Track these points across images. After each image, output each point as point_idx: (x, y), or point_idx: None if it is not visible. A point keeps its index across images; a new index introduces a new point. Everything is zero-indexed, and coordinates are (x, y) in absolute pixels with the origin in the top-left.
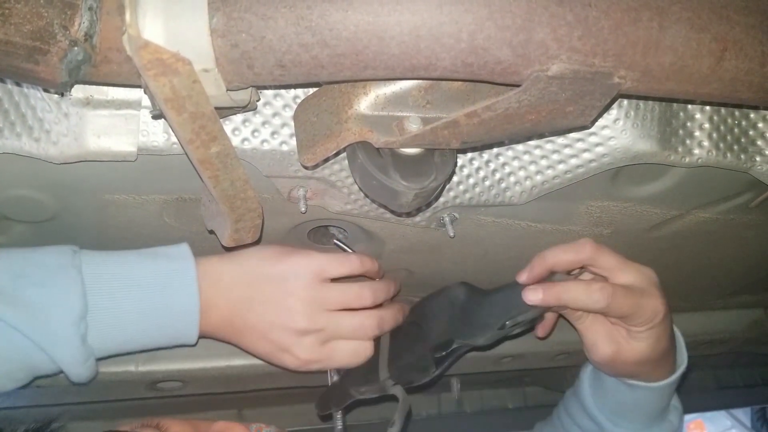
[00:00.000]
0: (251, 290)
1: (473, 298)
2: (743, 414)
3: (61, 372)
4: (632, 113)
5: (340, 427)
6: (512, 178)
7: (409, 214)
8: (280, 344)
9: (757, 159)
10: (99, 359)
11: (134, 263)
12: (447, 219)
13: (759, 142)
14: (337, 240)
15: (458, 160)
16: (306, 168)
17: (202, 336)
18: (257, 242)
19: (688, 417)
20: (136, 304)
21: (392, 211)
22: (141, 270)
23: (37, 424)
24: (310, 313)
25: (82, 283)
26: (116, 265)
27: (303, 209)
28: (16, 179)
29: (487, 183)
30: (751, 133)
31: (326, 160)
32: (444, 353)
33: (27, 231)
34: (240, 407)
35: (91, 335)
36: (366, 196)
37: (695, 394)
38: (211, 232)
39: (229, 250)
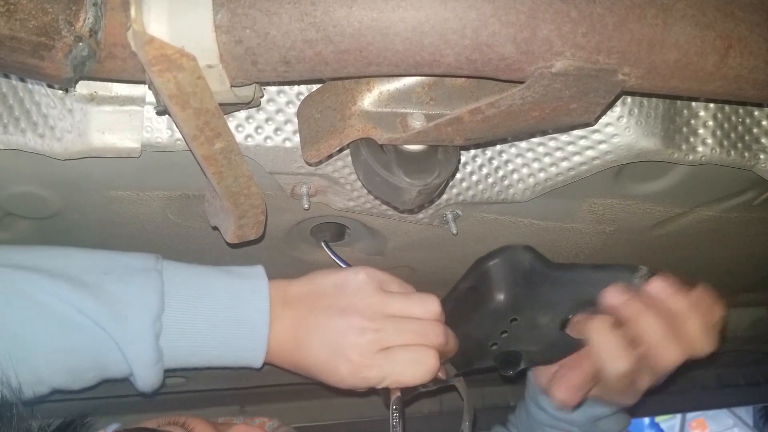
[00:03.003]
0: (315, 299)
1: (539, 268)
2: (745, 412)
3: (130, 376)
4: (636, 111)
5: (395, 423)
6: (515, 176)
7: (411, 211)
8: (336, 346)
9: (761, 156)
10: (166, 371)
11: (210, 275)
12: (450, 216)
13: (763, 140)
14: (325, 242)
15: (461, 157)
16: (309, 164)
17: (267, 359)
18: (260, 239)
19: (690, 415)
20: (206, 313)
21: (395, 208)
22: (215, 282)
23: (71, 417)
24: (369, 313)
25: (162, 284)
26: (193, 275)
27: (306, 206)
28: (20, 175)
29: (490, 180)
30: (755, 130)
31: (330, 156)
32: (511, 372)
33: (31, 227)
34: (243, 403)
35: (163, 338)
36: (369, 192)
37: (697, 393)
38: (215, 228)
39: (232, 246)
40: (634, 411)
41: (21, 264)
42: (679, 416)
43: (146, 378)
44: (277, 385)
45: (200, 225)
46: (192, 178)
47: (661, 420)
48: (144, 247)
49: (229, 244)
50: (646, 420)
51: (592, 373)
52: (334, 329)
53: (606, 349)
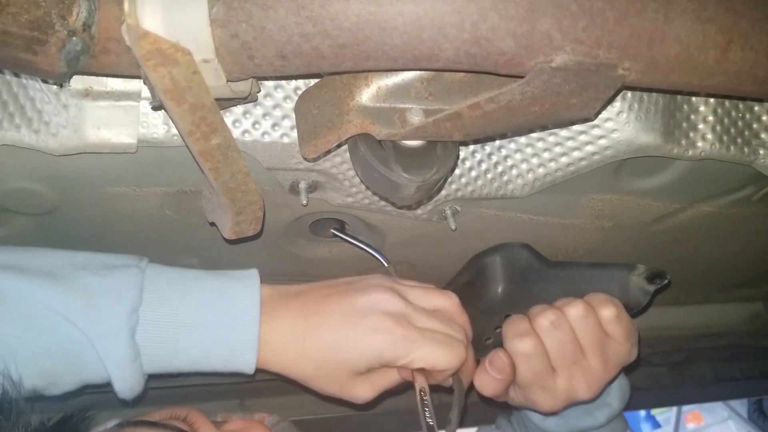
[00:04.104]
0: (326, 288)
1: (536, 266)
2: (740, 405)
3: (108, 382)
4: (636, 105)
5: (428, 415)
6: (514, 171)
7: (410, 207)
8: (363, 319)
9: (761, 152)
10: (148, 377)
11: (196, 275)
12: (449, 212)
13: (763, 135)
14: (335, 230)
15: (460, 152)
16: (307, 160)
17: (262, 362)
18: (259, 235)
19: (686, 408)
20: (189, 311)
21: (394, 204)
22: (202, 281)
23: (71, 411)
24: (396, 293)
25: (142, 279)
26: (178, 275)
27: (304, 202)
28: (16, 171)
29: (489, 176)
30: (754, 125)
31: (328, 152)
32: None
33: (28, 223)
34: (242, 397)
35: (141, 334)
36: (367, 188)
37: (693, 386)
38: (213, 224)
39: (230, 242)
40: (631, 404)
41: None
42: (675, 409)
43: (123, 379)
44: (277, 379)
45: (198, 221)
46: (189, 173)
47: (657, 413)
48: (142, 243)
49: (227, 240)
50: (642, 413)
51: (509, 364)
52: (360, 303)
53: (512, 330)
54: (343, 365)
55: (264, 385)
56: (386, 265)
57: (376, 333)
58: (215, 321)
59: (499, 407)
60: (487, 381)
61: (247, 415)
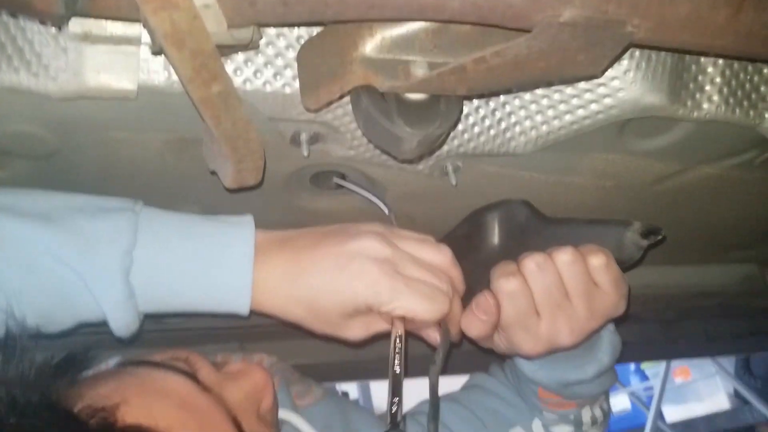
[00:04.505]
0: (319, 234)
1: (534, 223)
2: (728, 362)
3: (104, 320)
4: (643, 65)
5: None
6: (517, 128)
7: (411, 161)
8: (350, 264)
9: (767, 116)
10: (144, 316)
11: (191, 219)
12: (450, 168)
13: None
14: (338, 179)
15: (464, 107)
16: (309, 111)
17: (255, 304)
18: (259, 185)
19: (674, 363)
20: (183, 252)
21: (395, 158)
22: (196, 225)
23: (75, 350)
24: (385, 240)
25: (136, 222)
26: (173, 218)
27: (305, 153)
28: (15, 114)
29: (492, 132)
30: (762, 89)
31: (330, 103)
32: None
33: (28, 166)
34: (242, 341)
35: (135, 275)
36: (369, 141)
37: (683, 342)
38: (213, 173)
39: (230, 191)
40: (621, 357)
41: None
42: (664, 363)
43: (119, 319)
44: (276, 323)
45: (199, 169)
46: (190, 121)
47: (647, 366)
48: (142, 190)
49: (227, 189)
50: (632, 366)
51: (494, 305)
52: (347, 249)
53: (499, 271)
54: (331, 308)
55: (263, 330)
56: (387, 212)
57: (360, 279)
58: (210, 263)
59: (494, 357)
60: (473, 321)
61: (246, 357)
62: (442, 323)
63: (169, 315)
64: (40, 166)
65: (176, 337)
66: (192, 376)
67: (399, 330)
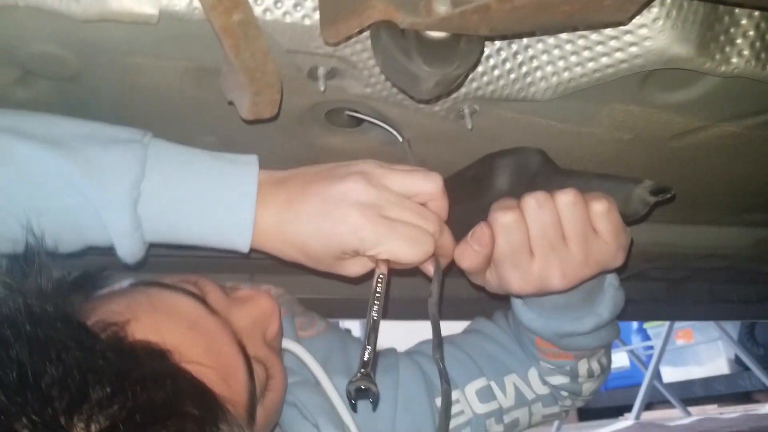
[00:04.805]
0: (312, 174)
1: (545, 172)
2: (732, 327)
3: (110, 244)
4: (674, 13)
5: (377, 302)
6: (539, 73)
7: (429, 102)
8: (335, 208)
9: None
10: (150, 246)
11: (199, 155)
12: (467, 111)
13: None
14: (350, 111)
15: (486, 50)
16: (328, 45)
17: (256, 243)
18: (275, 118)
19: (678, 324)
20: (189, 188)
21: (412, 98)
22: (203, 161)
23: (91, 269)
24: (372, 181)
25: (145, 155)
26: (181, 152)
27: (322, 88)
28: (40, 34)
29: (513, 76)
30: None
31: (349, 38)
32: None
33: (50, 88)
34: (252, 272)
35: (141, 206)
36: (386, 79)
37: (688, 304)
38: (230, 103)
39: (247, 122)
40: (624, 315)
41: (3, 126)
42: (667, 324)
43: (125, 247)
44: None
45: (217, 99)
46: (209, 50)
47: (649, 326)
48: (160, 118)
49: (244, 121)
50: (635, 325)
51: (489, 236)
52: (333, 193)
53: (497, 204)
54: (322, 252)
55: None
56: (401, 140)
57: (343, 224)
58: (213, 201)
59: (497, 300)
60: (466, 252)
61: (254, 286)
62: (434, 260)
63: (173, 246)
64: (62, 88)
65: (188, 263)
66: (201, 299)
67: (383, 270)
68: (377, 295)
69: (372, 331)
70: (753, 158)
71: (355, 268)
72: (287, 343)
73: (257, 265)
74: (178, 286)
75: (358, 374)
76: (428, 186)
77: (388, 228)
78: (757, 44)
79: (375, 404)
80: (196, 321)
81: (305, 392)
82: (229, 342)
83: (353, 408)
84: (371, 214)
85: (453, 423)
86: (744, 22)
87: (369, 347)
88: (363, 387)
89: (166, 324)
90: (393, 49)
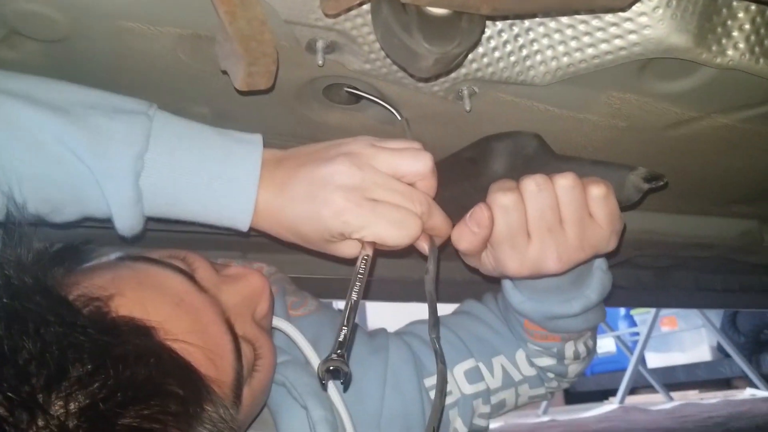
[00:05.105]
0: (306, 155)
1: (541, 156)
2: (715, 315)
3: (109, 215)
4: (674, 2)
5: (358, 283)
6: (539, 57)
7: (428, 80)
8: (320, 191)
9: None
10: (148, 219)
11: (204, 131)
12: (466, 92)
13: None
14: (349, 88)
15: (487, 31)
16: (327, 17)
17: (255, 223)
18: (270, 89)
19: (663, 312)
20: (193, 164)
21: (411, 76)
22: (208, 138)
23: (74, 242)
24: (358, 162)
25: (150, 127)
26: (186, 127)
27: (320, 62)
28: None
29: (513, 59)
30: None
31: (349, 10)
32: None
33: (39, 50)
34: (245, 250)
35: (143, 179)
36: (386, 56)
37: (674, 291)
38: (225, 73)
39: (241, 94)
40: (611, 301)
41: (7, 89)
42: (653, 311)
43: (125, 219)
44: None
45: (211, 68)
46: (205, 16)
47: (636, 313)
48: (153, 85)
49: (238, 92)
50: (622, 311)
51: (488, 217)
52: (319, 176)
53: (497, 185)
54: (312, 234)
55: (266, 241)
56: (400, 118)
57: (327, 208)
58: (217, 178)
59: (490, 283)
60: (464, 233)
61: (246, 263)
62: (428, 239)
63: (171, 221)
64: (51, 51)
65: (180, 238)
66: (189, 275)
67: (368, 252)
68: (359, 275)
69: (351, 312)
70: (743, 151)
71: (347, 249)
72: (278, 322)
73: (250, 242)
74: (166, 262)
75: (332, 354)
76: (417, 166)
77: (373, 211)
78: (752, 38)
79: (346, 385)
80: (183, 298)
81: (295, 372)
82: (217, 320)
83: (324, 388)
84: (355, 197)
85: None
86: (741, 15)
87: (345, 327)
88: (334, 367)
89: (152, 300)
90: (393, 24)
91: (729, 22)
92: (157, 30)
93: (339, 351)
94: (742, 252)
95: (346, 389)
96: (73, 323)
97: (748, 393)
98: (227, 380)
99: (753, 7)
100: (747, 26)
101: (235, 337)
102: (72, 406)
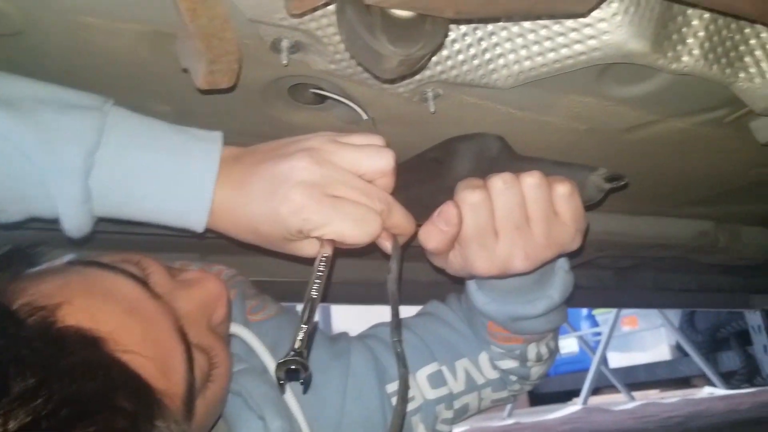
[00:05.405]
0: (265, 152)
1: (504, 157)
2: (674, 315)
3: (56, 218)
4: (632, 9)
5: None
6: (501, 60)
7: (392, 82)
8: (279, 188)
9: (741, 75)
10: (98, 220)
11: (161, 128)
12: (430, 94)
13: (746, 59)
14: (315, 88)
15: (451, 34)
16: (292, 16)
17: (211, 223)
18: (233, 89)
19: (624, 312)
20: (147, 161)
21: (376, 77)
22: (165, 135)
23: (23, 244)
24: (318, 158)
25: (103, 123)
26: (142, 124)
27: (285, 62)
28: None
29: (476, 62)
30: (741, 48)
31: (314, 9)
32: None
33: None
34: (204, 253)
35: (94, 177)
36: (351, 56)
37: (635, 292)
38: (185, 70)
39: (203, 92)
40: (573, 301)
41: None
42: (614, 312)
43: (72, 218)
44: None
45: (173, 66)
46: (166, 12)
47: (598, 313)
48: (112, 83)
49: (200, 90)
50: (584, 311)
51: (456, 215)
52: (279, 172)
53: (465, 183)
54: (271, 233)
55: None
56: (365, 117)
57: (285, 205)
58: (171, 176)
59: (456, 284)
60: (432, 232)
61: (205, 266)
62: (391, 238)
63: (122, 222)
64: (4, 45)
65: (137, 241)
66: (142, 281)
67: (327, 251)
68: (318, 274)
69: (309, 311)
70: (698, 154)
71: (307, 248)
72: (235, 328)
73: (209, 244)
74: (118, 267)
75: (290, 354)
76: (379, 163)
77: (333, 207)
78: (706, 45)
79: (306, 386)
80: (135, 305)
81: (252, 381)
82: (169, 329)
83: (282, 390)
84: (315, 194)
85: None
86: (695, 23)
87: (303, 327)
88: (293, 368)
89: (101, 308)
90: (357, 25)
91: (684, 30)
92: (116, 26)
93: (297, 350)
94: (699, 252)
95: (306, 390)
96: (16, 335)
97: (706, 391)
98: (179, 392)
99: (707, 15)
100: (701, 33)
101: (188, 347)
102: (11, 425)
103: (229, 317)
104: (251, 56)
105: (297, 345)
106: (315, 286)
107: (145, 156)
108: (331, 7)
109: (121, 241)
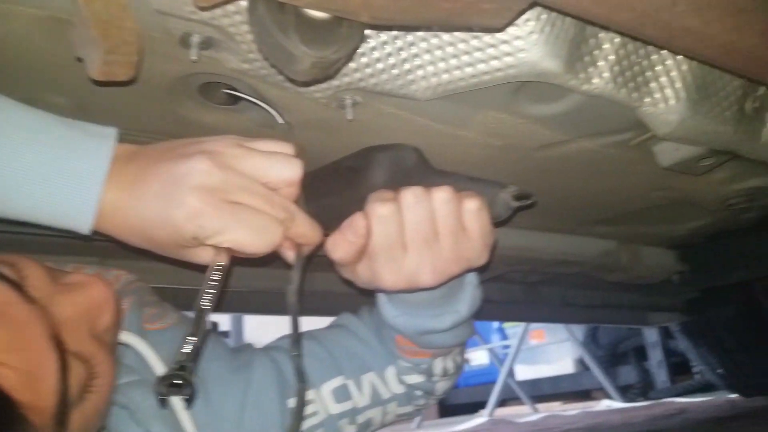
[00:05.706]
0: (163, 152)
1: (420, 169)
2: (579, 330)
3: None
4: (547, 29)
5: (209, 292)
6: (420, 72)
7: (307, 85)
8: (175, 190)
9: (646, 100)
10: None
11: (49, 121)
12: (348, 101)
13: (652, 84)
14: (227, 89)
15: (371, 42)
16: (201, 9)
17: (99, 225)
18: (132, 82)
19: (532, 326)
20: (27, 157)
21: (290, 79)
22: (51, 128)
23: None
24: (220, 161)
25: None
26: (26, 114)
27: (194, 57)
28: None
29: (395, 71)
30: (648, 73)
31: (225, 3)
32: None
33: None
34: (103, 256)
35: None
36: (263, 56)
37: (542, 306)
38: (80, 60)
39: (100, 84)
40: (483, 314)
41: None
42: (523, 325)
43: None
44: None
45: (70, 56)
46: None
47: (508, 326)
48: (2, 72)
49: (97, 83)
50: (495, 324)
51: (364, 227)
52: (175, 173)
53: (375, 196)
54: (164, 239)
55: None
56: (281, 121)
57: (181, 210)
58: (55, 173)
59: (363, 295)
60: (340, 242)
61: (101, 271)
62: (295, 248)
63: (7, 222)
64: None
65: (31, 241)
66: (15, 283)
67: (221, 260)
68: (211, 283)
69: (200, 322)
70: (604, 175)
71: (203, 256)
72: (126, 337)
73: (109, 248)
74: None
75: (173, 367)
76: (286, 173)
77: (231, 214)
78: (616, 68)
79: (190, 401)
80: (4, 310)
81: (141, 393)
82: (41, 335)
83: (162, 405)
84: (213, 200)
85: (306, 424)
86: (606, 46)
87: (191, 339)
88: (177, 383)
89: None
90: (269, 23)
91: (596, 52)
92: (7, 8)
93: (181, 363)
94: (603, 270)
95: (189, 405)
96: None
97: (604, 404)
98: (47, 405)
99: (618, 39)
100: (611, 57)
101: (62, 356)
102: None
103: (117, 324)
104: (157, 49)
105: (182, 358)
106: (207, 297)
107: (27, 151)
108: (244, 3)
109: (12, 241)
